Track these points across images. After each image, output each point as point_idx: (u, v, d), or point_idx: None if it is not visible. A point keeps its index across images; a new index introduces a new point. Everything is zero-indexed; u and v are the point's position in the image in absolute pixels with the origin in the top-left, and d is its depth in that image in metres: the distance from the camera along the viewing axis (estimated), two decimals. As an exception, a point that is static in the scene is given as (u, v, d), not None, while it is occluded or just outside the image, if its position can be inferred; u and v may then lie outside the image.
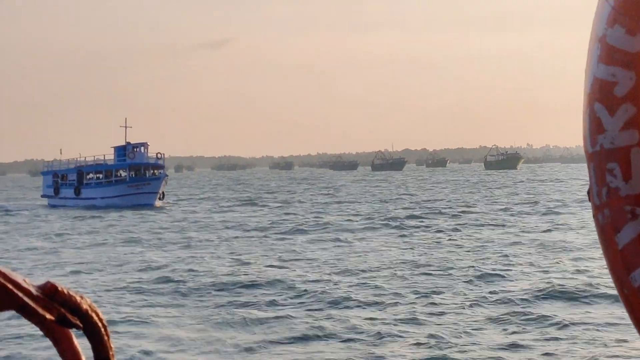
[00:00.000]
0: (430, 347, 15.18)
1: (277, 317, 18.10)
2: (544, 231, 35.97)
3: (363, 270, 24.88)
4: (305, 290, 21.26)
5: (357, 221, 44.03)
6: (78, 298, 1.31)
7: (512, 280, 22.30)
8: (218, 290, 21.87)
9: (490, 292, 20.39)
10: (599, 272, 22.33)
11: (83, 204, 65.84)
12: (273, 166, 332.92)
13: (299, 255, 29.37)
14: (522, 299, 19.46)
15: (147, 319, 18.23)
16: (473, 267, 24.80)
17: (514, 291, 20.49)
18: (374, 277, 23.49)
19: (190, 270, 25.66)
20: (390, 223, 41.97)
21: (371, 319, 17.72)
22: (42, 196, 72.80)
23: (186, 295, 21.42)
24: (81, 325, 1.31)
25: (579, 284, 21.06)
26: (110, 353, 1.34)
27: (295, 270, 25.17)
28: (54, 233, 41.57)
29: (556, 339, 15.57)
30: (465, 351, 14.84)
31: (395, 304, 19.39)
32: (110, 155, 68.77)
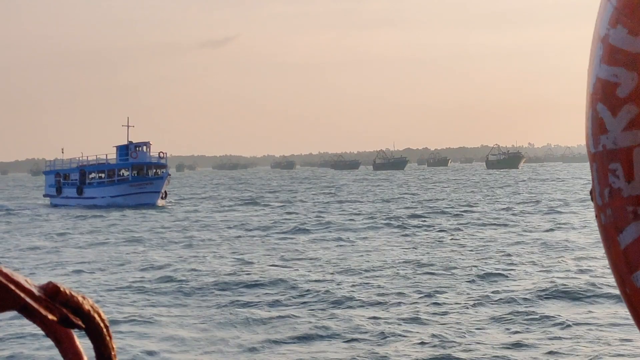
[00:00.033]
0: (433, 347, 15.17)
1: (280, 317, 18.11)
2: (547, 230, 35.96)
3: (366, 270, 24.88)
4: (308, 290, 21.26)
5: (359, 220, 44.02)
6: (80, 298, 1.31)
7: (515, 280, 22.29)
8: (221, 289, 21.86)
9: (493, 292, 20.38)
10: (601, 272, 22.31)
11: (85, 203, 65.81)
12: (274, 165, 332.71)
13: (302, 255, 29.37)
14: (525, 299, 19.45)
15: (149, 318, 18.23)
16: (476, 266, 24.81)
17: (517, 291, 20.48)
18: (377, 277, 23.48)
19: (193, 269, 25.67)
20: (392, 222, 41.97)
21: (374, 318, 17.72)
22: (45, 195, 72.79)
23: (189, 295, 21.42)
24: (83, 325, 1.31)
25: (582, 283, 21.05)
26: (112, 353, 1.34)
27: (297, 270, 25.18)
28: (56, 232, 41.59)
29: (559, 338, 15.56)
30: (469, 351, 14.83)
31: (399, 303, 19.39)
32: (112, 155, 68.77)
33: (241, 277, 23.76)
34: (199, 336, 16.52)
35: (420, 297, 20.04)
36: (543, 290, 20.27)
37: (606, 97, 2.45)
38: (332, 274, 24.33)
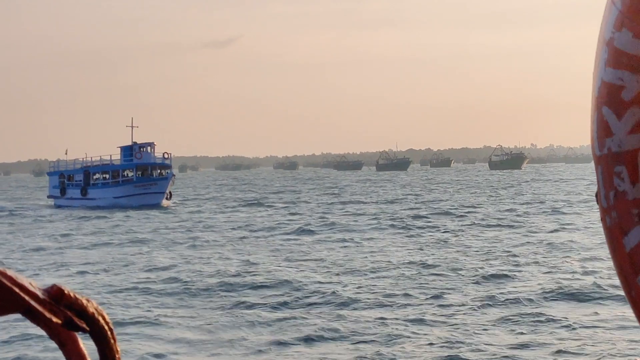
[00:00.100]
0: (440, 348, 15.16)
1: (285, 318, 18.10)
2: (551, 231, 35.94)
3: (371, 271, 24.88)
4: (314, 291, 21.25)
5: (363, 221, 44.03)
6: (84, 301, 1.31)
7: (521, 281, 22.28)
8: (226, 291, 21.86)
9: (500, 293, 20.37)
10: (607, 273, 22.29)
11: (89, 204, 65.79)
12: (277, 166, 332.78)
13: (307, 256, 29.37)
14: (531, 300, 19.45)
15: (154, 320, 18.22)
16: (482, 267, 24.80)
17: (523, 292, 20.47)
18: (383, 278, 23.48)
19: (198, 270, 25.68)
20: (396, 223, 41.96)
21: (381, 319, 17.70)
22: (49, 197, 72.71)
23: (194, 296, 21.42)
24: (87, 328, 1.31)
25: (588, 284, 21.03)
26: (117, 356, 1.34)
27: (303, 271, 25.17)
28: (60, 234, 41.63)
29: (565, 339, 15.55)
30: (475, 351, 14.82)
31: (405, 304, 19.38)
32: (116, 155, 68.74)
33: (246, 278, 23.76)
34: (204, 338, 16.52)
35: (426, 298, 20.03)
36: (549, 292, 20.27)
37: (611, 100, 2.45)
38: (337, 275, 24.33)
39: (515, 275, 23.25)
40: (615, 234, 2.48)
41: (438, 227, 39.63)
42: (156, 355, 15.26)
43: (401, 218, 45.54)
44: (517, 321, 17.21)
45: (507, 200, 62.09)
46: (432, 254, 28.68)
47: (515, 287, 21.21)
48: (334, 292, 20.95)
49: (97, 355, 1.33)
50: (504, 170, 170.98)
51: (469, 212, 49.26)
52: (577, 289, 20.41)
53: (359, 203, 62.72)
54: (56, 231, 43.39)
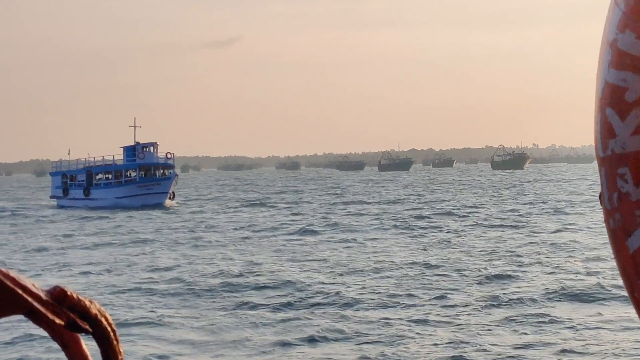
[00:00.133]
0: (444, 348, 15.16)
1: (289, 319, 18.09)
2: (554, 232, 35.92)
3: (375, 271, 24.87)
4: (317, 292, 21.25)
5: (366, 222, 44.02)
6: (87, 302, 1.31)
7: (525, 281, 22.27)
8: (229, 291, 21.86)
9: (503, 293, 20.36)
10: (610, 274, 22.28)
11: (92, 204, 65.73)
12: (279, 166, 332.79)
13: (310, 256, 29.36)
14: (535, 300, 19.44)
15: (157, 320, 18.22)
16: (485, 268, 24.78)
17: (526, 292, 20.47)
18: (386, 278, 23.47)
19: (200, 271, 25.68)
20: (399, 224, 41.95)
21: (385, 319, 17.70)
22: (51, 197, 72.63)
23: (196, 296, 21.41)
24: (90, 329, 1.31)
25: (591, 285, 21.02)
26: (120, 357, 1.34)
27: (306, 271, 25.17)
28: (62, 234, 41.65)
29: (569, 340, 15.54)
30: (479, 351, 14.81)
31: (408, 305, 19.37)
32: (119, 156, 68.71)
33: (249, 278, 23.76)
34: (207, 338, 16.51)
35: (429, 299, 20.02)
36: (552, 292, 20.26)
37: (615, 101, 2.44)
38: (340, 275, 24.32)
39: (518, 275, 23.24)
40: (618, 236, 2.47)
41: (441, 228, 39.63)
42: (159, 356, 15.26)
43: (404, 218, 45.53)
44: (520, 321, 17.21)
45: (509, 200, 62.07)
46: (435, 255, 28.66)
47: (518, 288, 21.20)
48: (337, 293, 20.95)
49: (100, 357, 1.33)
50: (506, 171, 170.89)
51: (471, 213, 49.24)
52: (580, 290, 20.40)
53: (361, 203, 62.71)
54: (58, 231, 43.41)
